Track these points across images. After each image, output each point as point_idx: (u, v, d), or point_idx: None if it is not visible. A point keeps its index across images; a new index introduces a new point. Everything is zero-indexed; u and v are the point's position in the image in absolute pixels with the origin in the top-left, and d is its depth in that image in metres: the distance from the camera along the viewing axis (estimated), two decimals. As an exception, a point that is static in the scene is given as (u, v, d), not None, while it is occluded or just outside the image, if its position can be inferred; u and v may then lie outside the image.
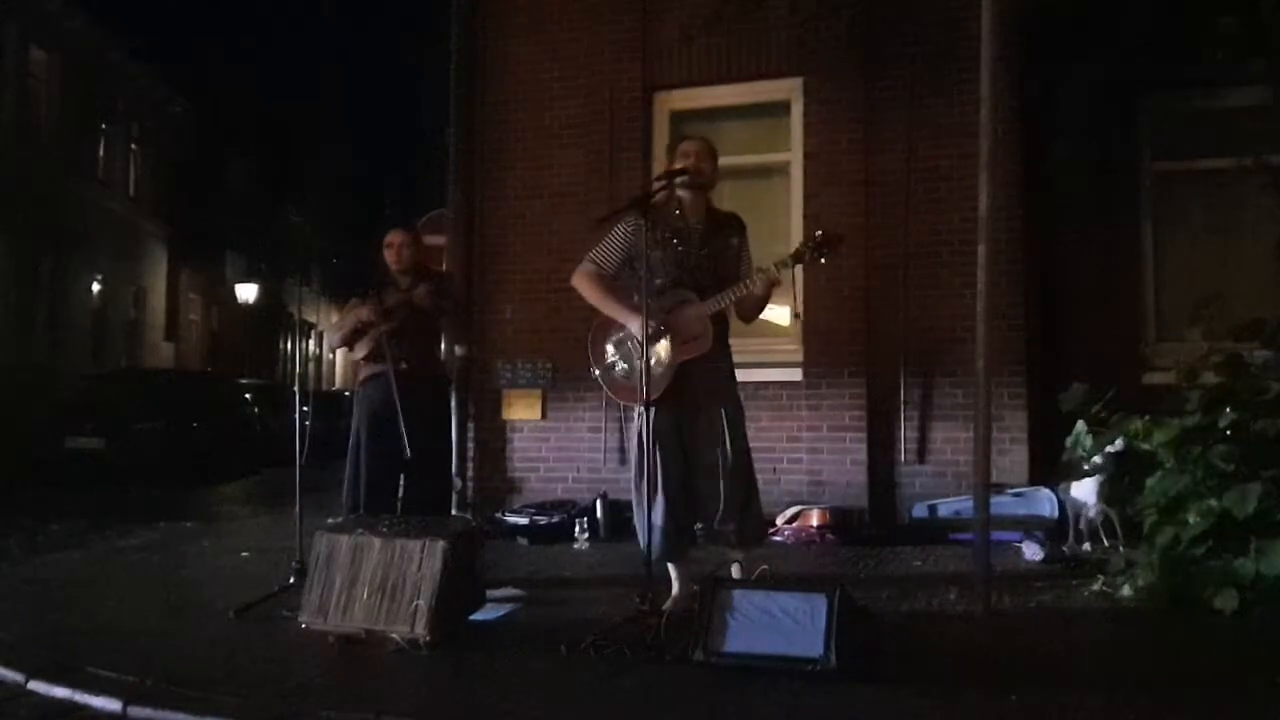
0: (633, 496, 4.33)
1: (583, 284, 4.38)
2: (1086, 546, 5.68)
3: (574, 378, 7.18)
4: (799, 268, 4.21)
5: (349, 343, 5.08)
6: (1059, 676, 3.40)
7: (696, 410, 4.21)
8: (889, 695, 3.19)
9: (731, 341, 4.40)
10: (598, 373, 4.41)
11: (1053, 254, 6.92)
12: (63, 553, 6.56)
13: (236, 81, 23.51)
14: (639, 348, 4.08)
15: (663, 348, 4.18)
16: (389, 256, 5.09)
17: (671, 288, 4.21)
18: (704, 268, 4.23)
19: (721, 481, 4.17)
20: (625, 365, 4.28)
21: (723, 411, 4.21)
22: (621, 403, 4.21)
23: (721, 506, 4.17)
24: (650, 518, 4.14)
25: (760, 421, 4.40)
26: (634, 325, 4.13)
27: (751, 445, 4.37)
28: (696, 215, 4.30)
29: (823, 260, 4.14)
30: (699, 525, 4.33)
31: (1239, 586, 4.09)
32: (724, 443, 4.18)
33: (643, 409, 4.11)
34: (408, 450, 4.68)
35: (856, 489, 6.63)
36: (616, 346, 4.32)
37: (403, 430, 4.65)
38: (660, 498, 4.17)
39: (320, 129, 29.71)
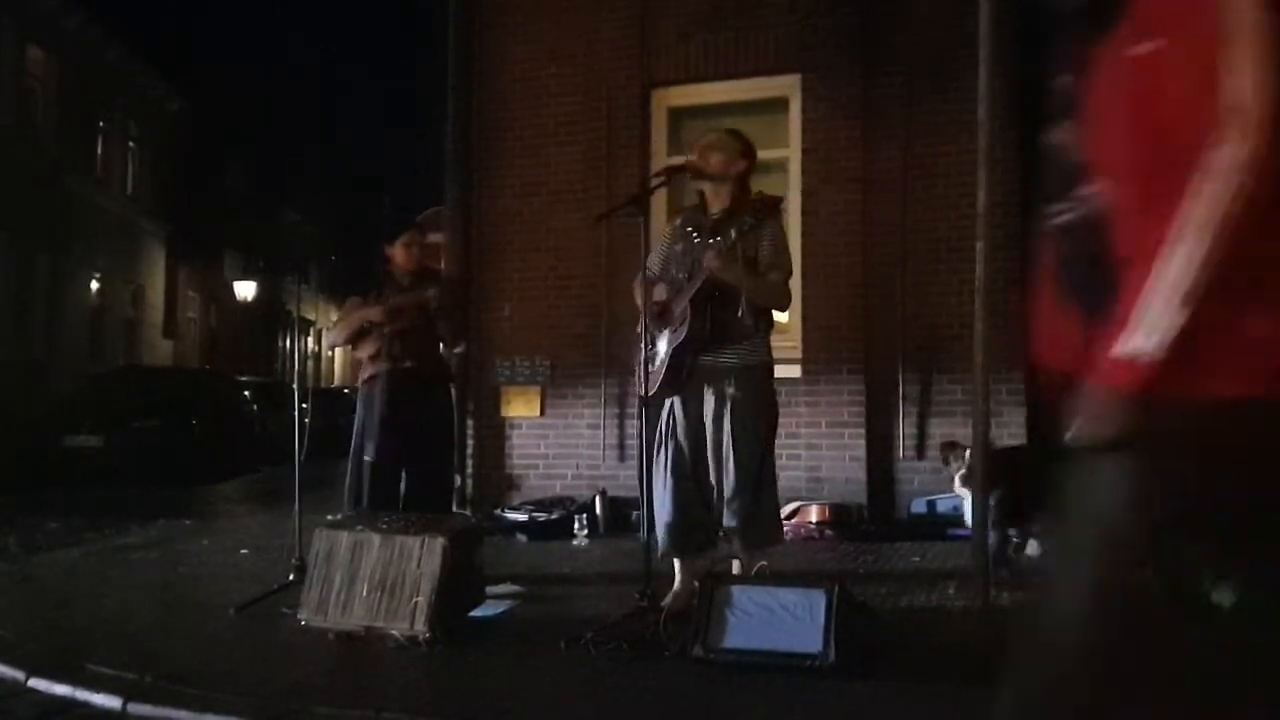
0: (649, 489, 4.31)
1: (635, 292, 4.37)
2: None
3: (572, 375, 7.20)
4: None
5: (353, 341, 5.09)
6: (1057, 672, 3.40)
7: (711, 406, 4.19)
8: (888, 691, 3.20)
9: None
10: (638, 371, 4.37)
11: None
12: (61, 551, 6.55)
13: (234, 79, 23.49)
14: (653, 339, 4.16)
15: (663, 338, 4.21)
16: (403, 256, 5.09)
17: (688, 280, 4.23)
18: None
19: (733, 479, 4.15)
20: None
21: (734, 408, 4.16)
22: (658, 396, 4.23)
23: (733, 505, 4.16)
24: (657, 513, 4.15)
25: (759, 417, 4.38)
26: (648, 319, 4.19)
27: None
28: (718, 206, 4.28)
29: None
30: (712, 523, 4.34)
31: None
32: (736, 440, 4.15)
33: (671, 401, 4.17)
34: (371, 454, 4.75)
35: (855, 485, 6.64)
36: (650, 342, 4.33)
37: (375, 430, 4.76)
38: (670, 493, 4.17)
39: (318, 127, 29.71)
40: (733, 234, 3.99)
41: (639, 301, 4.33)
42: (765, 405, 4.27)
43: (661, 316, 4.22)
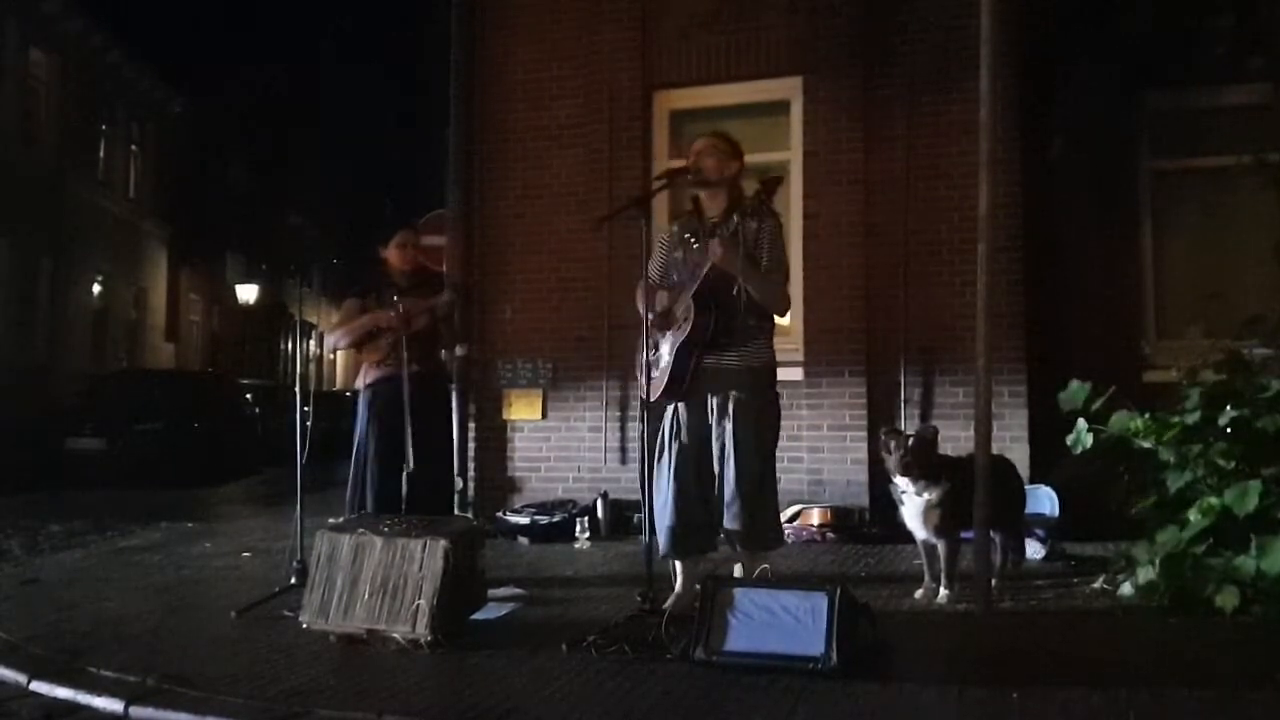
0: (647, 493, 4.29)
1: (637, 298, 4.36)
2: (943, 594, 4.44)
3: (574, 377, 7.20)
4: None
5: (361, 344, 5.09)
6: (1060, 674, 3.40)
7: (713, 408, 4.19)
8: (890, 694, 3.19)
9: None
10: (641, 377, 4.33)
11: (1052, 252, 6.92)
12: (64, 553, 6.56)
13: (236, 82, 23.51)
14: (655, 343, 4.17)
15: (665, 340, 4.21)
16: (397, 257, 5.09)
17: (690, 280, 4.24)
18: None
19: (735, 483, 4.13)
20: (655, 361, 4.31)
21: (737, 410, 4.15)
22: (661, 400, 4.24)
23: (734, 508, 4.15)
24: (659, 515, 4.15)
25: (761, 420, 4.38)
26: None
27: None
28: (714, 210, 4.28)
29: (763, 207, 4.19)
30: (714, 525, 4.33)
31: (1240, 584, 4.09)
32: (739, 443, 4.13)
33: (676, 405, 4.18)
34: (411, 462, 4.71)
35: (857, 488, 6.63)
36: (652, 346, 4.33)
37: (409, 437, 4.69)
38: (671, 496, 4.17)
39: (320, 129, 29.71)
40: (735, 219, 4.06)
41: (640, 307, 4.34)
42: (768, 408, 4.27)
43: (664, 320, 4.21)
